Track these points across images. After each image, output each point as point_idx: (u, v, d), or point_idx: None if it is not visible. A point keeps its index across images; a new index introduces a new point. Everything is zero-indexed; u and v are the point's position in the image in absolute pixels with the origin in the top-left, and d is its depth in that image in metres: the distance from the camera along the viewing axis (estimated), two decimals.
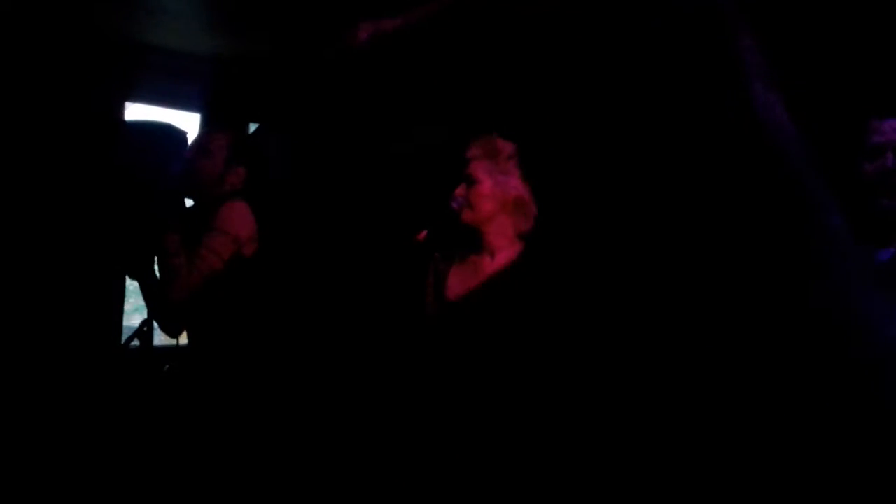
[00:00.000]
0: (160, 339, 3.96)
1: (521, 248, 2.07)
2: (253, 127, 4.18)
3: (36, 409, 3.03)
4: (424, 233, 2.13)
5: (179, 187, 2.62)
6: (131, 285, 3.53)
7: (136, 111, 3.88)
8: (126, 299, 3.75)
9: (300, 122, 4.15)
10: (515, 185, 2.07)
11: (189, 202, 2.77)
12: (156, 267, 2.58)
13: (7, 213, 2.99)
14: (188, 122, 4.00)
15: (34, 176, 3.08)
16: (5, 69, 3.01)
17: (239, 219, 2.51)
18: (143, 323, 2.75)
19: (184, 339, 3.54)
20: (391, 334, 2.85)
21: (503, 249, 2.06)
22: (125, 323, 3.73)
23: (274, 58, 3.91)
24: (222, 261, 2.44)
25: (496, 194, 2.06)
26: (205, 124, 4.04)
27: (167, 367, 2.94)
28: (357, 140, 4.21)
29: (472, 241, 2.10)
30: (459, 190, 2.06)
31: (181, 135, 2.90)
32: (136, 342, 2.75)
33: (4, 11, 2.95)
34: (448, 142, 2.16)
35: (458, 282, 2.09)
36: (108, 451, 3.17)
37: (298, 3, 3.27)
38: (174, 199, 2.63)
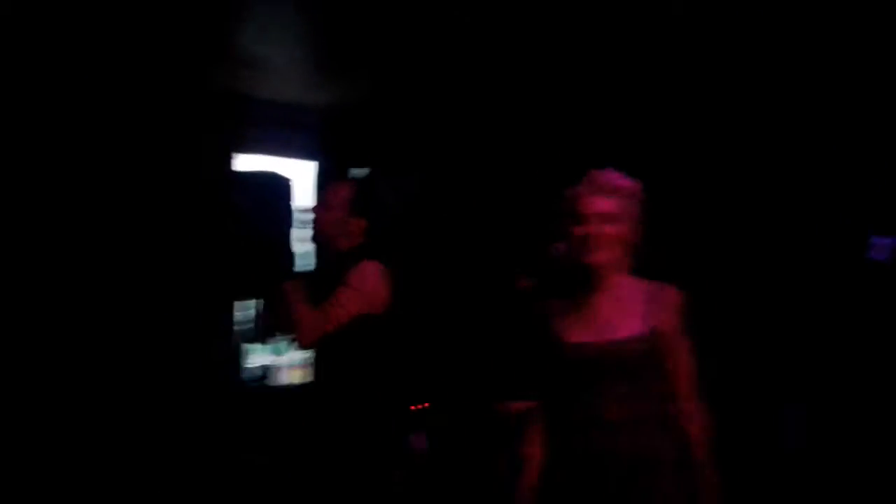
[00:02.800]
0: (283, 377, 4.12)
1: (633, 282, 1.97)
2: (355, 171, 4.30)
3: (156, 439, 3.19)
4: (525, 281, 2.06)
5: (309, 237, 2.74)
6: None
7: (245, 159, 4.07)
8: None
9: (415, 166, 4.24)
10: (636, 224, 1.97)
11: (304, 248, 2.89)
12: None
13: (127, 262, 3.21)
14: (299, 170, 4.15)
15: (151, 224, 3.29)
16: (125, 128, 3.26)
17: (373, 280, 2.58)
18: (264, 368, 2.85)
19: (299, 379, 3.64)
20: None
21: (624, 287, 1.96)
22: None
23: (378, 105, 4.02)
24: (351, 316, 2.51)
25: (620, 234, 1.95)
26: (318, 171, 4.21)
27: None
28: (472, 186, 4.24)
29: (587, 282, 1.99)
30: (593, 228, 1.93)
31: (285, 182, 3.03)
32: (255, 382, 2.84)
33: (123, 74, 3.21)
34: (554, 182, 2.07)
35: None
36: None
37: (395, 52, 3.34)
38: (284, 244, 2.76)
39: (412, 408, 3.12)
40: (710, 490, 1.84)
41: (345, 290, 2.52)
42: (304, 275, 2.67)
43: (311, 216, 2.70)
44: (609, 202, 1.94)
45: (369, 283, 2.55)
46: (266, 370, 3.82)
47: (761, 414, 2.56)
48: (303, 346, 2.58)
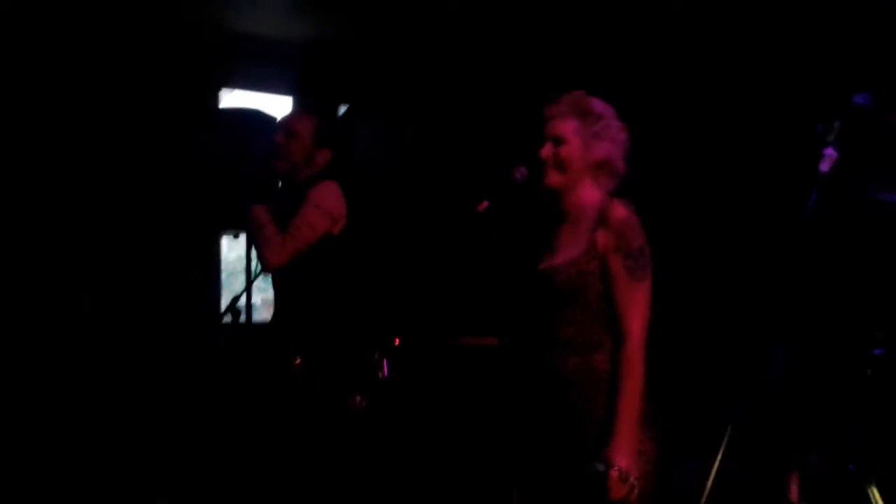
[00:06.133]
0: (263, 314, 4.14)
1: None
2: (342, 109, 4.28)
3: (133, 384, 3.25)
4: (485, 204, 2.06)
5: (269, 167, 2.74)
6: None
7: (234, 97, 4.02)
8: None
9: (389, 106, 4.22)
10: (603, 147, 1.93)
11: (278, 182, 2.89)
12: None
13: (107, 195, 3.20)
14: (282, 107, 4.11)
15: (133, 161, 3.28)
16: (110, 63, 3.20)
17: (333, 197, 2.65)
18: (234, 299, 2.87)
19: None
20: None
21: (582, 209, 1.93)
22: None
23: (362, 42, 3.97)
24: (317, 234, 2.57)
25: (584, 156, 1.92)
26: (297, 108, 4.16)
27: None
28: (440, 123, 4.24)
29: (547, 206, 1.99)
30: (545, 151, 1.91)
31: (269, 120, 3.01)
32: (228, 318, 2.86)
33: (107, 7, 3.13)
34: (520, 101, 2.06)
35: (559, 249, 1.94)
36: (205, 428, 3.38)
37: None
38: (262, 178, 2.77)
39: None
40: (626, 404, 1.80)
41: (307, 208, 2.58)
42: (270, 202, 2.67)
43: (276, 144, 2.70)
44: (569, 124, 1.92)
45: (330, 201, 2.62)
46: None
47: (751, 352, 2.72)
48: (270, 268, 2.61)
